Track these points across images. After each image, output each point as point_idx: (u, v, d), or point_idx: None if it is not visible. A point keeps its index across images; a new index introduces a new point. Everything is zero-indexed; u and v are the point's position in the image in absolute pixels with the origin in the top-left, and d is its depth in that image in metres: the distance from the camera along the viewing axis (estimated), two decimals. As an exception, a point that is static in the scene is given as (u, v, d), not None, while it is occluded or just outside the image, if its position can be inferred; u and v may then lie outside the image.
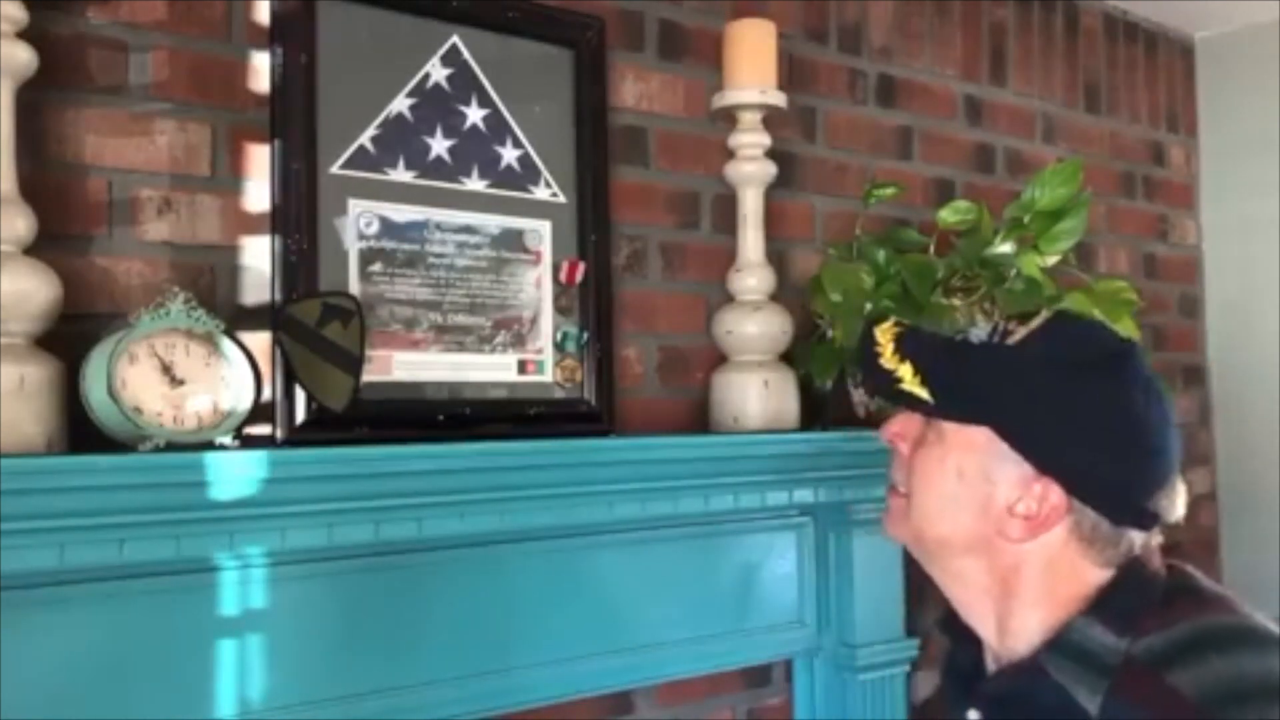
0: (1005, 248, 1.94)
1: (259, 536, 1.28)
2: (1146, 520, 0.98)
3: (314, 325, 1.42)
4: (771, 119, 1.88)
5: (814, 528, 1.90)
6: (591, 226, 1.73)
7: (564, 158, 1.72)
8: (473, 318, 1.62)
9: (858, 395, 1.92)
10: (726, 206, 1.92)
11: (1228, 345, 2.93)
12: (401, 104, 1.57)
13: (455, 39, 1.62)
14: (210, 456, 1.22)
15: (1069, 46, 2.65)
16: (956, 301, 1.89)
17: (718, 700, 1.88)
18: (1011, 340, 1.00)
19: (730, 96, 1.84)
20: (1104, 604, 0.96)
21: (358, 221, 1.53)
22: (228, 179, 1.46)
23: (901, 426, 1.05)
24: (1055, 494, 0.96)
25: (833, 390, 1.91)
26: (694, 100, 1.93)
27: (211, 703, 1.31)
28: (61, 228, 1.33)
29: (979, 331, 1.03)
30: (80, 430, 1.24)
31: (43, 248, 1.25)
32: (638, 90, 1.87)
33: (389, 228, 1.55)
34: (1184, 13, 2.82)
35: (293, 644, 1.38)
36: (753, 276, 1.86)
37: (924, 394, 1.00)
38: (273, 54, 1.47)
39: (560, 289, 1.70)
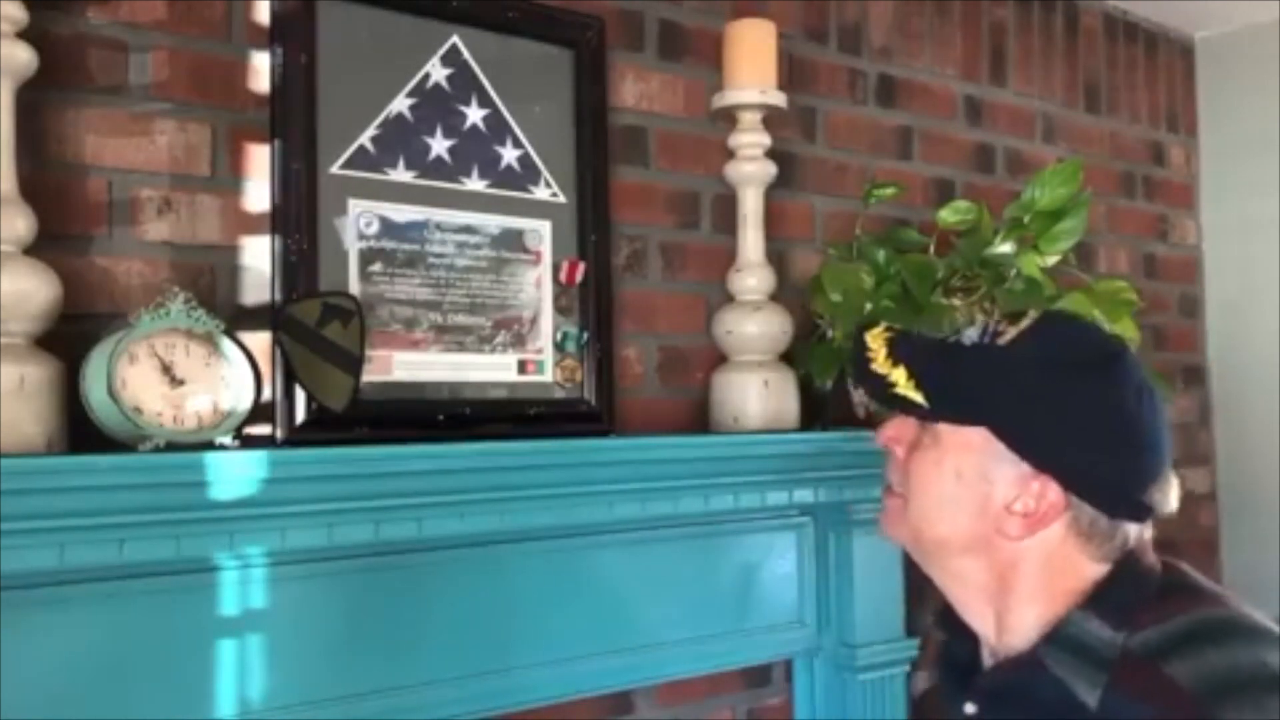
0: (1005, 248, 1.94)
1: (259, 536, 1.28)
2: (1142, 513, 1.00)
3: (314, 325, 1.42)
4: (771, 119, 1.88)
5: (814, 528, 1.90)
6: (591, 226, 1.73)
7: (564, 158, 1.72)
8: (473, 318, 1.62)
9: (858, 395, 1.92)
10: (726, 206, 1.92)
11: (1227, 345, 2.93)
12: (401, 104, 1.57)
13: (455, 39, 1.62)
14: (210, 456, 1.22)
15: (1069, 46, 2.65)
16: (956, 301, 1.89)
17: (718, 700, 1.88)
18: (1002, 341, 1.01)
19: (730, 96, 1.84)
20: (1101, 598, 0.97)
21: (358, 221, 1.53)
22: (228, 179, 1.46)
23: (896, 431, 1.06)
24: (1053, 491, 0.97)
25: (833, 390, 1.91)
26: (694, 100, 1.93)
27: (211, 703, 1.31)
28: (61, 228, 1.33)
29: (970, 333, 1.04)
30: (80, 430, 1.24)
31: (43, 248, 1.25)
32: (638, 90, 1.87)
33: (389, 228, 1.55)
34: (1184, 13, 2.82)
35: (293, 644, 1.38)
36: (753, 276, 1.86)
37: (918, 397, 1.01)
38: (273, 54, 1.47)
39: (560, 289, 1.70)
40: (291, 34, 1.47)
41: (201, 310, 1.28)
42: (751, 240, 1.87)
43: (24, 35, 1.24)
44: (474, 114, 1.64)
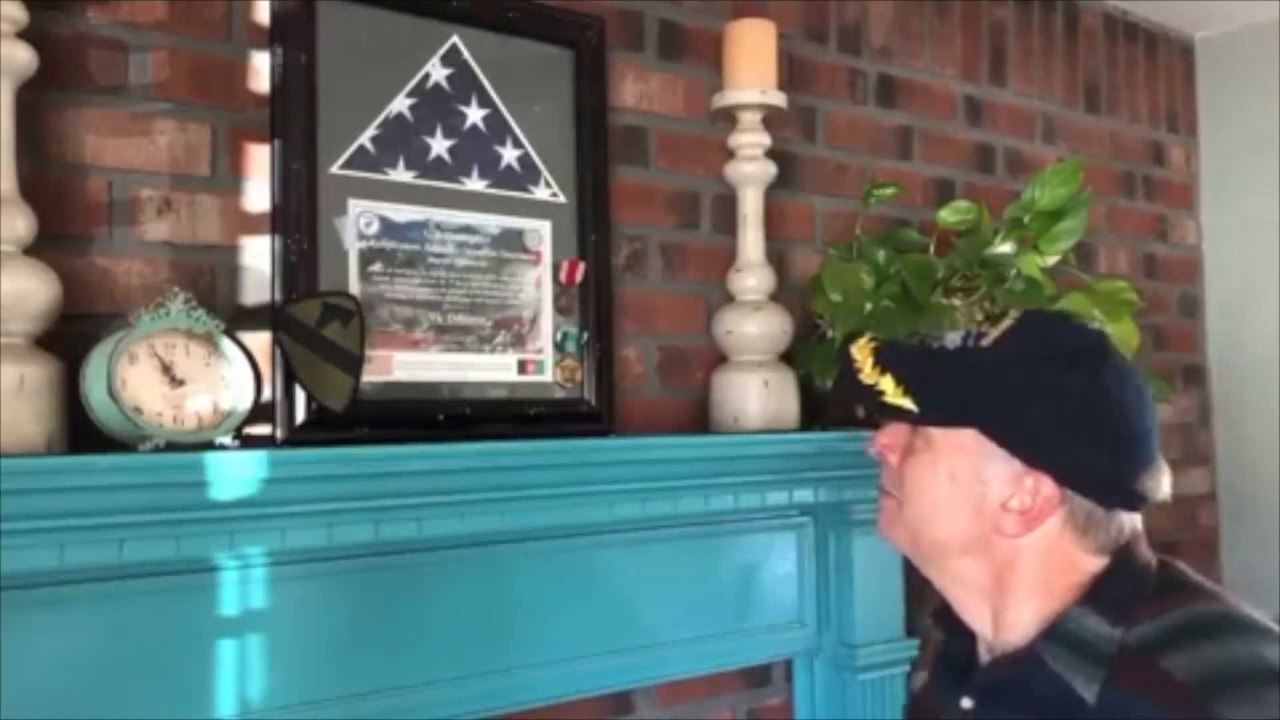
0: (1005, 248, 1.94)
1: (259, 536, 1.28)
2: (1135, 501, 1.00)
3: (314, 325, 1.42)
4: (771, 119, 1.88)
5: (814, 528, 1.90)
6: (591, 226, 1.73)
7: (564, 158, 1.72)
8: (473, 318, 1.62)
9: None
10: (726, 206, 1.92)
11: (1227, 345, 2.93)
12: (401, 104, 1.57)
13: (455, 39, 1.62)
14: (210, 456, 1.22)
15: (1069, 46, 2.65)
16: (956, 301, 1.89)
17: (718, 700, 1.88)
18: (985, 342, 1.02)
19: (730, 96, 1.84)
20: (1098, 594, 0.98)
21: (358, 221, 1.53)
22: (228, 179, 1.46)
23: (889, 438, 1.07)
24: (1047, 486, 0.98)
25: (833, 390, 1.91)
26: (694, 100, 1.93)
27: (211, 703, 1.31)
28: (61, 228, 1.33)
29: (953, 338, 1.05)
30: (80, 430, 1.24)
31: (43, 248, 1.25)
32: (638, 90, 1.88)
33: (389, 228, 1.55)
34: (1184, 13, 2.82)
35: (293, 644, 1.38)
36: (753, 276, 1.86)
37: (907, 403, 1.02)
38: (273, 54, 1.47)
39: (560, 289, 1.70)
40: (291, 34, 1.47)
41: (201, 310, 1.28)
42: (751, 240, 1.87)
43: (24, 35, 1.24)
44: (474, 114, 1.64)
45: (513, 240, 1.66)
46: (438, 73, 1.61)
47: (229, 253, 1.46)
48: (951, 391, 1.01)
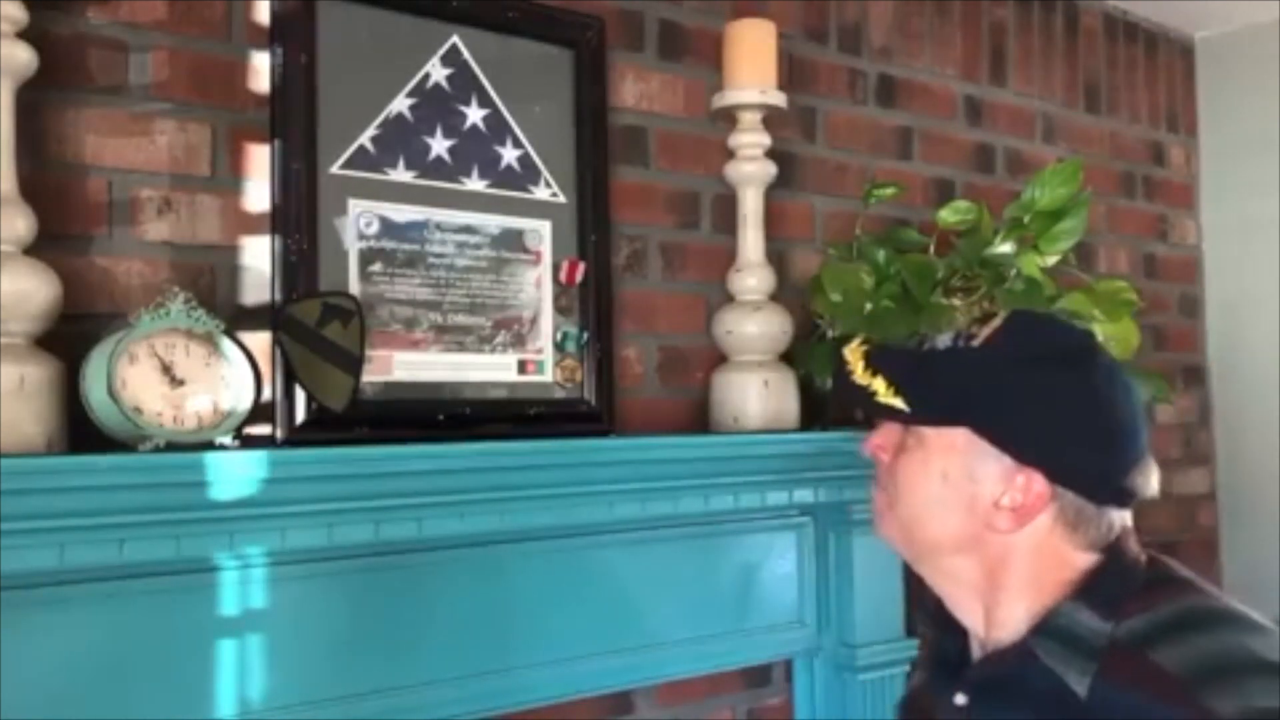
0: (1005, 248, 1.94)
1: (259, 536, 1.28)
2: (1125, 498, 1.02)
3: (314, 325, 1.42)
4: (771, 119, 1.88)
5: (814, 528, 1.90)
6: (591, 226, 1.73)
7: (564, 158, 1.72)
8: (473, 318, 1.62)
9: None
10: (726, 206, 1.92)
11: (1227, 345, 2.93)
12: (401, 104, 1.57)
13: (455, 39, 1.62)
14: (210, 456, 1.22)
15: (1069, 46, 2.65)
16: (956, 301, 1.89)
17: (718, 700, 1.88)
18: (975, 342, 1.03)
19: (730, 96, 1.84)
20: (1089, 589, 0.99)
21: (358, 221, 1.53)
22: (228, 179, 1.46)
23: (882, 438, 1.09)
24: (1038, 482, 0.99)
25: (832, 391, 1.91)
26: (694, 100, 1.93)
27: (211, 703, 1.31)
28: (61, 228, 1.33)
29: (943, 338, 1.07)
30: (80, 430, 1.24)
31: (43, 248, 1.25)
32: (638, 90, 1.88)
33: (389, 228, 1.55)
34: (1184, 13, 2.82)
35: (293, 644, 1.38)
36: (753, 276, 1.86)
37: (899, 403, 1.03)
38: (273, 54, 1.47)
39: (560, 289, 1.70)
40: (291, 34, 1.47)
41: (201, 310, 1.28)
42: (751, 240, 1.87)
43: (24, 35, 1.24)
44: (474, 114, 1.64)
45: (513, 240, 1.66)
46: (438, 73, 1.61)
47: (229, 253, 1.46)
48: (942, 391, 1.02)
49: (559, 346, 1.69)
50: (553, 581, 1.60)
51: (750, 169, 1.86)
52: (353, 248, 1.52)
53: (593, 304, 1.72)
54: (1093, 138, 2.69)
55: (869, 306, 1.86)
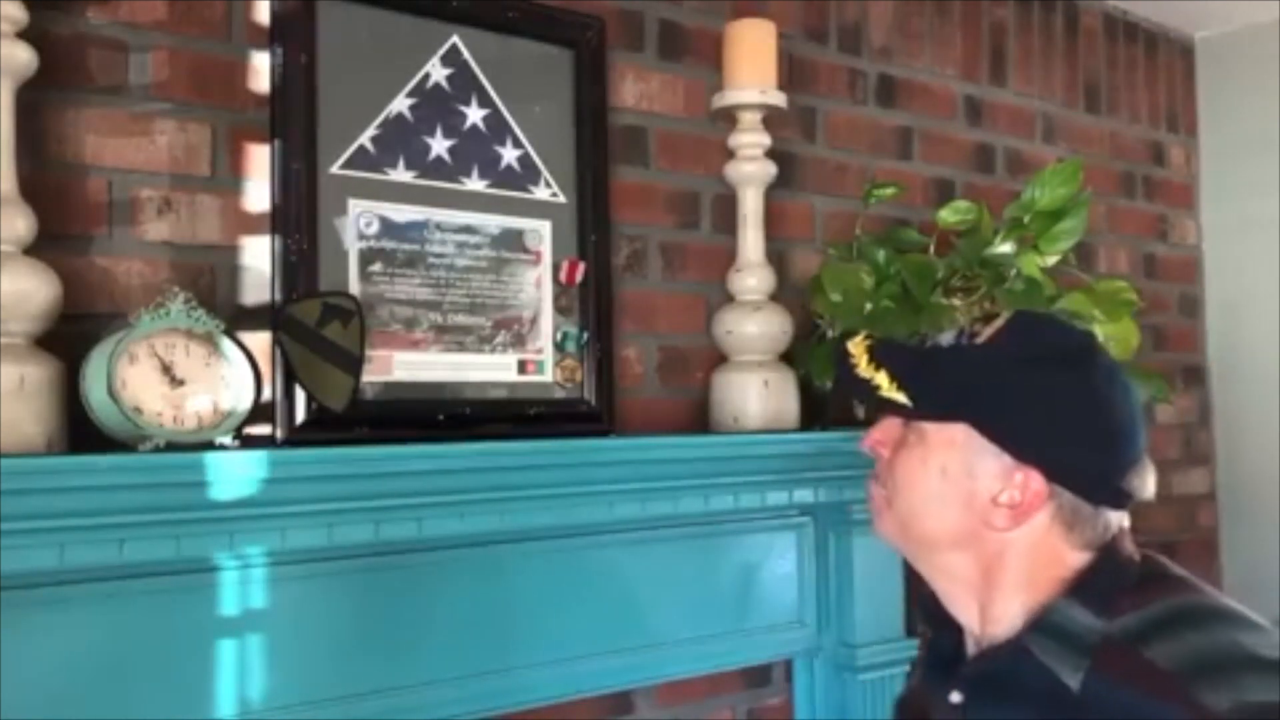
0: (1005, 248, 1.94)
1: (259, 536, 1.28)
2: (1122, 499, 1.02)
3: (314, 325, 1.42)
4: (771, 119, 1.88)
5: (814, 528, 1.90)
6: (591, 226, 1.73)
7: (564, 158, 1.72)
8: (473, 318, 1.62)
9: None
10: (726, 206, 1.92)
11: (1227, 345, 2.93)
12: (401, 104, 1.57)
13: (455, 39, 1.62)
14: (210, 456, 1.22)
15: (1069, 46, 2.65)
16: (956, 301, 1.89)
17: (718, 700, 1.88)
18: (978, 340, 1.04)
19: (730, 96, 1.84)
20: (1083, 586, 1.00)
21: (358, 221, 1.53)
22: (228, 179, 1.46)
23: (881, 434, 1.10)
24: (1036, 481, 1.00)
25: (833, 390, 1.91)
26: (694, 100, 1.93)
27: (211, 703, 1.31)
28: (61, 228, 1.33)
29: (946, 336, 1.07)
30: (80, 430, 1.24)
31: (43, 248, 1.25)
32: (638, 90, 1.88)
33: (389, 228, 1.55)
34: (1184, 13, 2.82)
35: (293, 644, 1.38)
36: (753, 276, 1.86)
37: (901, 397, 1.04)
38: (273, 54, 1.47)
39: (560, 289, 1.70)
40: (291, 34, 1.47)
41: (201, 310, 1.28)
42: (751, 240, 1.87)
43: (24, 35, 1.24)
44: (474, 114, 1.64)
45: (513, 240, 1.66)
46: (438, 73, 1.61)
47: (229, 253, 1.46)
48: (945, 387, 1.03)
49: (559, 346, 1.69)
50: (553, 581, 1.60)
51: (750, 169, 1.86)
52: (353, 248, 1.52)
53: (593, 304, 1.72)
54: (1093, 138, 2.69)
55: (869, 306, 1.86)
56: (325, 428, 1.43)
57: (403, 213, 1.56)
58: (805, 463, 1.76)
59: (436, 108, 1.60)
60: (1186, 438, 2.88)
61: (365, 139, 1.54)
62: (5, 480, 1.09)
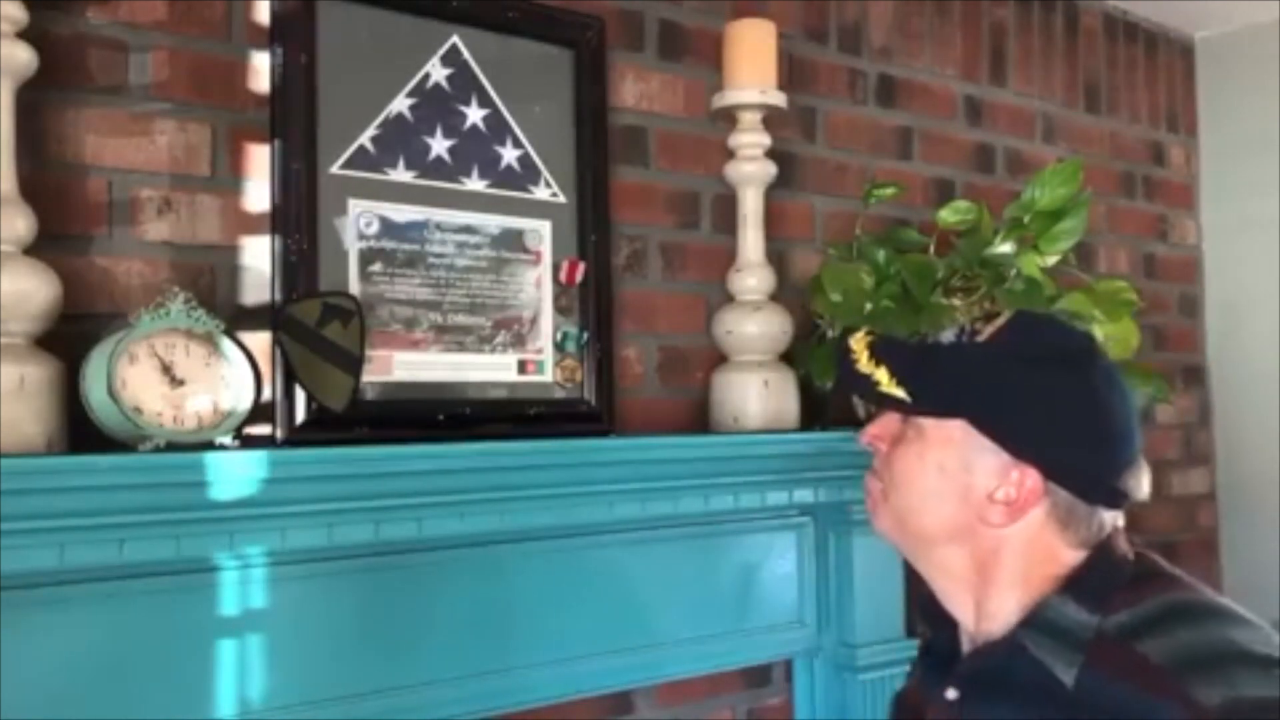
0: (1005, 248, 1.94)
1: (259, 536, 1.28)
2: (1117, 499, 1.03)
3: (314, 325, 1.42)
4: (771, 119, 1.88)
5: (814, 528, 1.90)
6: (591, 226, 1.73)
7: (564, 158, 1.72)
8: (473, 318, 1.62)
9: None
10: (726, 206, 1.92)
11: (1227, 345, 2.93)
12: (401, 104, 1.57)
13: (455, 39, 1.62)
14: (210, 456, 1.22)
15: (1069, 46, 2.65)
16: (956, 301, 1.89)
17: (718, 700, 1.88)
18: (979, 338, 1.05)
19: (730, 96, 1.84)
20: (1077, 584, 1.01)
21: (358, 221, 1.53)
22: (228, 179, 1.46)
23: (880, 429, 1.11)
24: (1032, 478, 1.01)
25: (833, 390, 1.91)
26: (694, 100, 1.93)
27: (211, 703, 1.31)
28: (61, 228, 1.33)
29: (947, 334, 1.09)
30: (80, 430, 1.24)
31: (43, 248, 1.25)
32: (638, 90, 1.88)
33: (389, 228, 1.55)
34: (1184, 13, 2.82)
35: (293, 644, 1.38)
36: (753, 276, 1.86)
37: (901, 393, 1.05)
38: (273, 54, 1.47)
39: (560, 289, 1.70)
40: (291, 34, 1.47)
41: (201, 310, 1.28)
42: (751, 240, 1.87)
43: (24, 35, 1.24)
44: (474, 114, 1.64)
45: (513, 240, 1.66)
46: (438, 73, 1.61)
47: (229, 253, 1.46)
48: (944, 383, 1.04)
49: (559, 346, 1.69)
50: (553, 581, 1.60)
51: (750, 169, 1.86)
52: (353, 248, 1.52)
53: (593, 304, 1.72)
54: (1093, 138, 2.69)
55: (869, 306, 1.86)
56: (325, 428, 1.43)
57: (403, 213, 1.57)
58: (805, 463, 1.76)
59: (436, 108, 1.60)
60: (1186, 438, 2.88)
61: (365, 139, 1.54)
62: (5, 480, 1.09)
